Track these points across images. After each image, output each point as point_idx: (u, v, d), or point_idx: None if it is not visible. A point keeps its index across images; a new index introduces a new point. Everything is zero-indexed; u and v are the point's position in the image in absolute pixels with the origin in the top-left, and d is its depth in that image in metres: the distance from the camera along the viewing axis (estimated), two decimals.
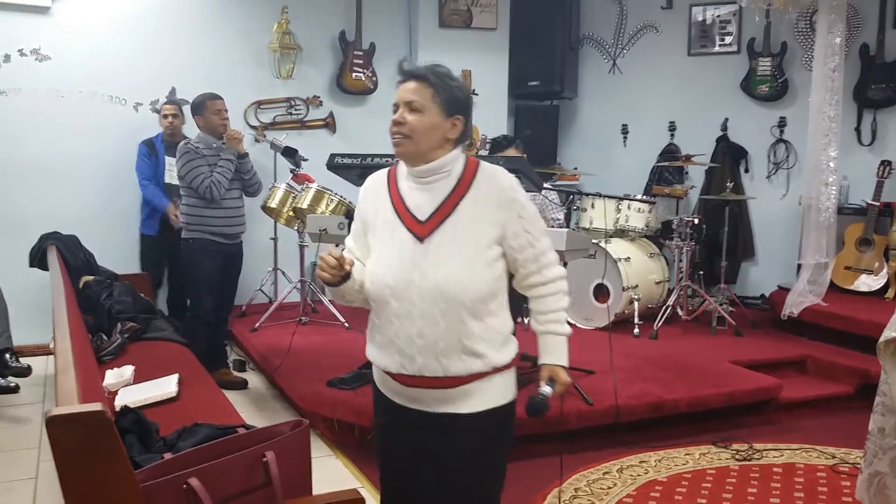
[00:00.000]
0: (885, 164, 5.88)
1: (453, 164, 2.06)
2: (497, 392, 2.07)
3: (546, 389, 2.06)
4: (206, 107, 4.73)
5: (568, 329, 2.13)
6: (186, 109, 5.81)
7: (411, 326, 1.98)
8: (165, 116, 5.67)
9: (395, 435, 2.15)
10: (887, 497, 2.57)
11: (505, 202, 2.02)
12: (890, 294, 5.66)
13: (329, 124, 6.68)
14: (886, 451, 2.58)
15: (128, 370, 3.51)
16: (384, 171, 2.17)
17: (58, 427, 1.61)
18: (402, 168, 2.11)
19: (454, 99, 2.04)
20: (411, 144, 2.02)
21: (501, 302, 2.07)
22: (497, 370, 2.05)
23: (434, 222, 2.00)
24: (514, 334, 2.14)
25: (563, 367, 2.10)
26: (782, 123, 6.63)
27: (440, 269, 1.96)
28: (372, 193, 2.14)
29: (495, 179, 2.05)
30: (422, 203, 2.03)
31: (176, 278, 5.71)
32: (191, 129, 5.67)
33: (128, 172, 5.74)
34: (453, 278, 1.96)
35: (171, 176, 5.59)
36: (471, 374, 2.00)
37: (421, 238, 2.00)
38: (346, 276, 2.02)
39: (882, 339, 2.48)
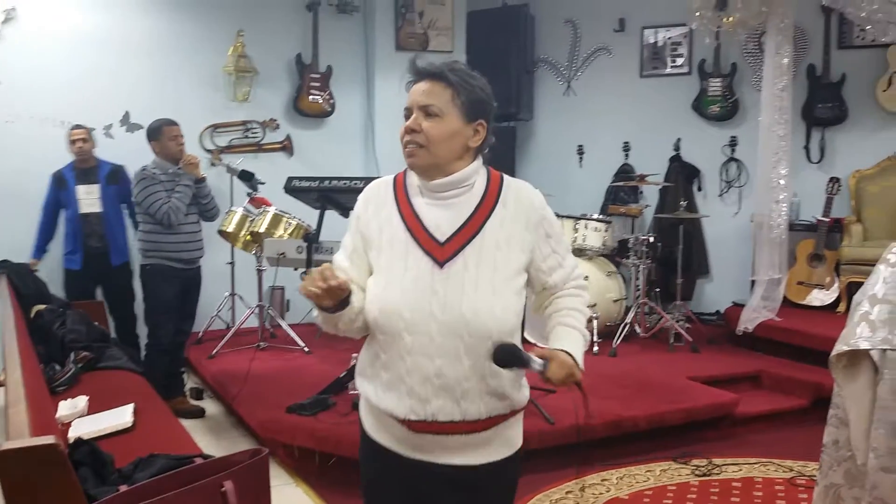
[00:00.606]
0: (834, 180, 6.02)
1: (475, 178, 1.81)
2: (513, 438, 1.86)
3: (535, 360, 1.72)
4: (163, 133, 4.69)
5: (586, 332, 1.87)
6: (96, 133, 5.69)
7: (428, 365, 1.70)
8: (74, 142, 5.31)
9: (392, 491, 1.85)
10: None
11: (535, 222, 1.80)
12: (842, 308, 5.78)
13: (286, 147, 6.66)
14: (841, 462, 2.63)
15: (81, 401, 3.43)
16: (387, 179, 1.88)
17: (8, 462, 1.57)
18: (413, 179, 1.83)
19: (477, 101, 1.77)
20: (427, 155, 1.74)
21: (519, 335, 1.82)
22: (514, 412, 1.83)
23: (456, 244, 1.74)
24: None
25: (569, 353, 1.75)
26: (733, 142, 6.76)
27: (465, 299, 1.70)
28: (375, 205, 1.84)
29: (523, 196, 1.82)
30: (441, 222, 1.76)
31: (119, 308, 5.47)
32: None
33: None
34: (482, 309, 1.70)
35: (86, 205, 5.30)
36: (490, 417, 1.76)
37: (440, 262, 1.72)
38: (345, 302, 1.72)
39: (834, 353, 2.53)
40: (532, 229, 1.80)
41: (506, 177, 1.86)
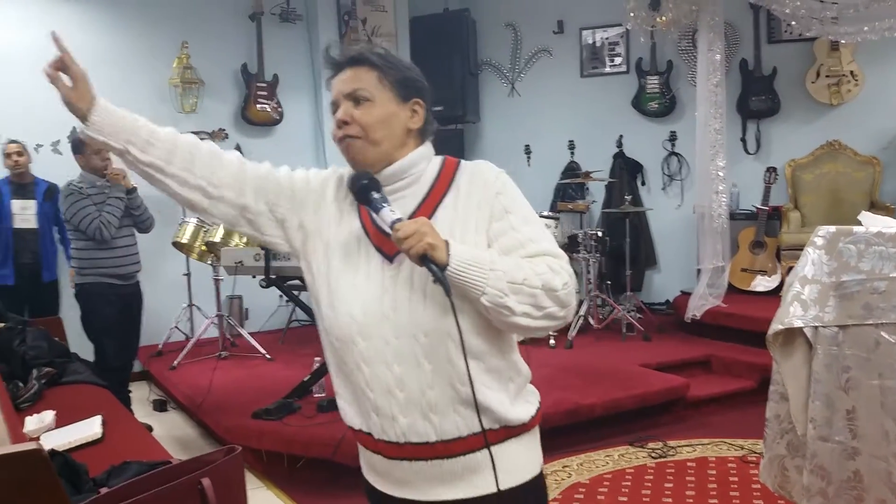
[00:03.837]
0: (771, 170, 6.26)
1: (423, 165, 1.61)
2: (518, 465, 1.55)
3: (387, 205, 1.49)
4: (87, 146, 4.49)
5: (502, 282, 1.44)
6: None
7: (387, 374, 1.50)
8: (9, 156, 5.32)
9: None
10: (787, 477, 2.78)
11: (488, 198, 1.56)
12: None
13: None
14: (783, 435, 2.79)
15: (48, 415, 3.43)
16: None
17: None
18: None
19: (407, 80, 1.59)
20: (367, 145, 1.55)
21: (508, 339, 1.58)
22: (510, 431, 1.54)
23: None
24: (529, 382, 1.65)
25: (449, 243, 1.43)
26: (673, 137, 6.98)
27: (415, 294, 1.49)
28: (343, 191, 1.63)
29: (477, 174, 1.59)
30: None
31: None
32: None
33: None
34: (432, 303, 1.48)
35: (20, 220, 5.31)
36: (474, 434, 1.50)
37: (390, 257, 1.53)
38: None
39: (770, 331, 2.69)
40: (486, 206, 1.56)
41: (463, 161, 1.66)
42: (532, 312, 1.46)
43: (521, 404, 1.58)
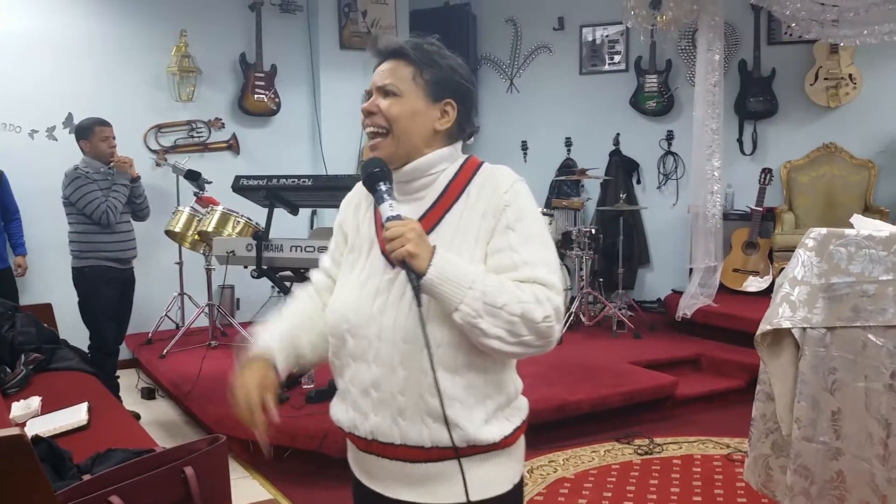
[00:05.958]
0: (766, 171, 6.27)
1: (443, 166, 1.59)
2: (481, 480, 1.54)
3: (389, 202, 1.48)
4: (94, 132, 4.58)
5: (479, 302, 1.42)
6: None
7: (366, 372, 1.54)
8: None
9: None
10: (771, 477, 2.79)
11: (494, 209, 1.52)
12: None
13: (232, 146, 6.67)
14: (768, 434, 2.81)
15: (34, 401, 3.44)
16: None
17: None
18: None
19: (443, 79, 1.56)
20: (391, 142, 1.55)
21: (493, 356, 1.53)
22: (476, 449, 1.53)
23: None
24: (517, 400, 1.64)
25: (434, 252, 1.43)
26: (670, 136, 6.98)
27: (403, 301, 1.50)
28: (355, 204, 1.70)
29: (489, 182, 1.56)
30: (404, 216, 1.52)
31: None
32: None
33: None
34: (416, 313, 1.44)
35: None
36: (436, 446, 1.51)
37: (393, 263, 1.51)
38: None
39: (759, 332, 2.70)
40: (490, 217, 1.52)
41: (485, 165, 1.62)
42: (506, 337, 1.45)
43: (498, 423, 1.56)
